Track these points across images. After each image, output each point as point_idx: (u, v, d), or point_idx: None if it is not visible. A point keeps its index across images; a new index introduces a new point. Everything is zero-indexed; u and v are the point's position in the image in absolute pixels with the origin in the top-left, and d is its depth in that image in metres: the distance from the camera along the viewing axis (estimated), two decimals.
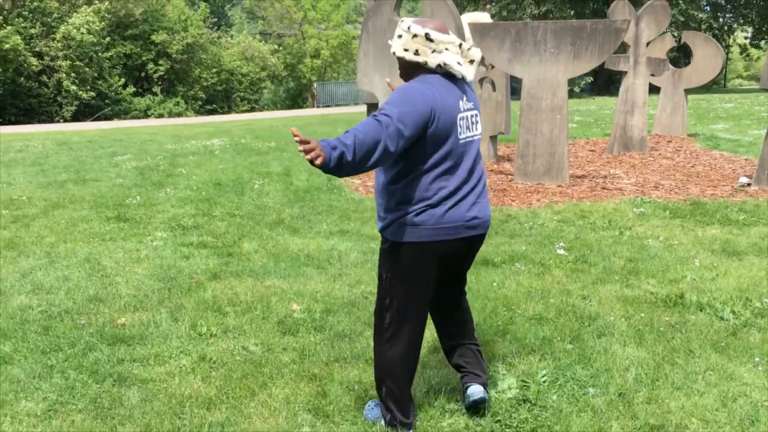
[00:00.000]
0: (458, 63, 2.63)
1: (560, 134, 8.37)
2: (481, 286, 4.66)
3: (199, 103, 27.86)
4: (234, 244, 5.87)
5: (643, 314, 4.10)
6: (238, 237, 6.11)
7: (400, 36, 2.65)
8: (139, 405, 3.10)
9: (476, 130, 2.75)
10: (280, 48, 33.00)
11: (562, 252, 5.51)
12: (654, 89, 12.86)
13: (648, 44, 11.55)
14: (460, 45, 2.66)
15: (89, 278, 4.91)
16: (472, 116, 2.72)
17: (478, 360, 3.03)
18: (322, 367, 3.48)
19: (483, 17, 10.19)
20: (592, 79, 34.18)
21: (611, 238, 5.93)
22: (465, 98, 2.70)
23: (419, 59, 2.62)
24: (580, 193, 7.93)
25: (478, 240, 2.80)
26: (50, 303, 4.39)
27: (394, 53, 2.68)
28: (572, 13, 33.16)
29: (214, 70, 28.33)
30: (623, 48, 11.24)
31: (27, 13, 22.95)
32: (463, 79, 2.70)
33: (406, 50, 2.63)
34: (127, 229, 6.38)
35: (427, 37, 2.59)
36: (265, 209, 7.25)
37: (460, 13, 8.82)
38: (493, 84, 10.66)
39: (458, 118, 2.64)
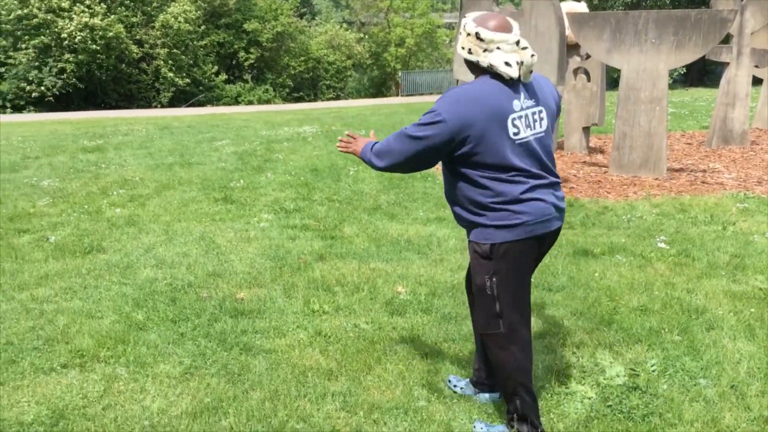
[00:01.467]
0: (506, 63, 2.55)
1: (659, 126, 8.22)
2: (582, 276, 4.71)
3: (287, 90, 28.55)
4: (335, 228, 6.10)
5: (753, 309, 4.07)
6: (338, 221, 6.33)
7: (460, 33, 2.67)
8: (266, 372, 3.34)
9: (539, 127, 2.67)
10: (365, 36, 33.31)
11: (663, 245, 5.47)
12: (755, 81, 12.35)
13: (752, 34, 11.12)
14: (518, 42, 2.57)
15: (206, 255, 5.24)
16: (533, 113, 2.66)
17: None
18: (432, 347, 3.64)
19: (580, 7, 10.07)
20: (685, 69, 32.95)
21: (714, 232, 5.84)
22: (522, 96, 2.63)
23: (472, 58, 2.62)
24: (679, 186, 7.78)
25: (557, 233, 2.83)
26: (174, 277, 4.72)
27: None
28: (668, 1, 32.00)
29: (302, 58, 28.93)
30: (726, 38, 10.87)
31: (129, 2, 24.06)
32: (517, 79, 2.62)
33: (463, 48, 2.63)
34: (234, 210, 6.72)
35: (477, 36, 2.57)
36: (361, 195, 7.46)
37: None
38: (587, 74, 10.53)
39: (510, 118, 2.59)
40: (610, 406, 3.01)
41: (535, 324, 3.92)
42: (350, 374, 3.34)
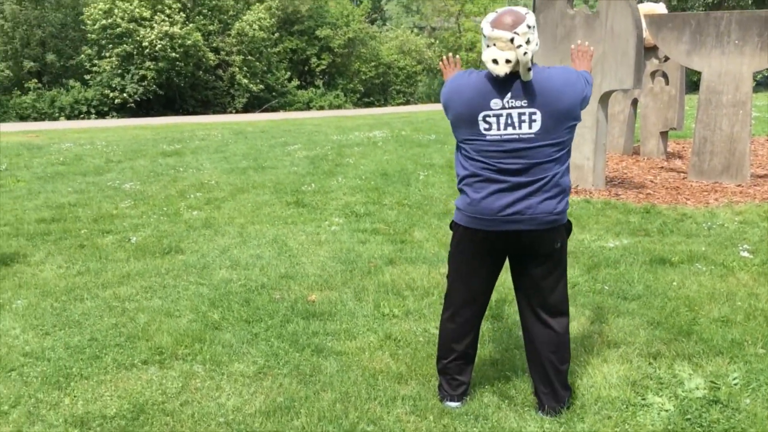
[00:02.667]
0: (493, 61, 2.57)
1: (742, 131, 7.91)
2: (660, 285, 4.57)
3: (358, 95, 28.85)
4: (405, 232, 6.12)
5: None
6: (408, 225, 6.35)
7: None
8: (336, 374, 3.37)
9: (526, 128, 2.66)
10: (435, 41, 33.32)
11: (746, 254, 5.26)
12: None
13: None
14: (512, 40, 2.56)
15: (278, 257, 5.34)
16: (520, 114, 2.65)
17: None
18: (503, 353, 3.60)
19: (658, 8, 9.79)
20: None
21: None
22: (509, 95, 2.64)
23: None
24: (764, 193, 7.46)
25: (527, 236, 2.76)
26: (248, 278, 4.84)
27: None
28: (750, 2, 30.74)
29: (373, 63, 29.18)
30: None
31: (206, 11, 24.82)
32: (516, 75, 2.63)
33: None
34: (306, 214, 6.83)
35: (482, 33, 2.67)
36: (431, 200, 7.46)
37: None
38: (665, 77, 10.23)
39: (481, 115, 2.68)
40: (689, 419, 2.91)
41: (609, 333, 3.83)
42: (420, 378, 3.34)
